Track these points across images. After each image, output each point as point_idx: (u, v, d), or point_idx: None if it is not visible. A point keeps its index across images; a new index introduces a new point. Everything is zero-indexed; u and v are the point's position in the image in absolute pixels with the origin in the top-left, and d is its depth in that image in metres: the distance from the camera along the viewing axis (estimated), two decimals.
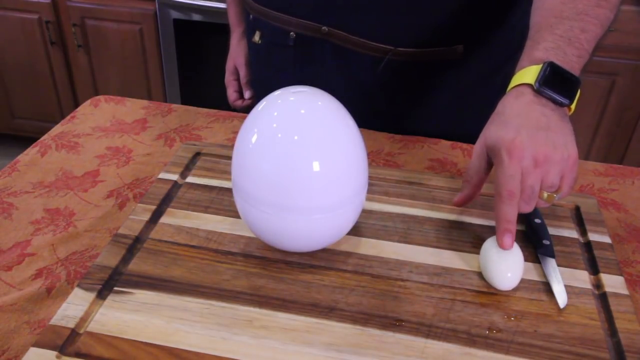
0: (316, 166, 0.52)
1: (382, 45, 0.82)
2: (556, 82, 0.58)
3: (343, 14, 0.82)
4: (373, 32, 0.82)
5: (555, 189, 0.56)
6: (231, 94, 1.06)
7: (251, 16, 0.92)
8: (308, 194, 0.53)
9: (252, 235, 0.62)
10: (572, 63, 0.59)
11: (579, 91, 0.60)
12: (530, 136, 0.55)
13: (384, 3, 0.79)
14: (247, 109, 1.04)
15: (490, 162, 0.59)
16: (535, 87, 0.57)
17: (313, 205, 0.53)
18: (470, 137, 0.88)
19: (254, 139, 0.53)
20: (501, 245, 0.55)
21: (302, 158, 0.52)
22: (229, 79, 1.06)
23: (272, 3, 0.86)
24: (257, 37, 0.92)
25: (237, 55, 1.04)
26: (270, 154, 0.52)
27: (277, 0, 0.86)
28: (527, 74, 0.58)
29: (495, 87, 0.89)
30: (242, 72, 1.03)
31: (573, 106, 0.60)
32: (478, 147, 0.60)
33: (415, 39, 0.82)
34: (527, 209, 0.57)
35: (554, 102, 0.58)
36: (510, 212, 0.55)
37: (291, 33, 0.85)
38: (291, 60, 0.88)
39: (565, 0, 0.64)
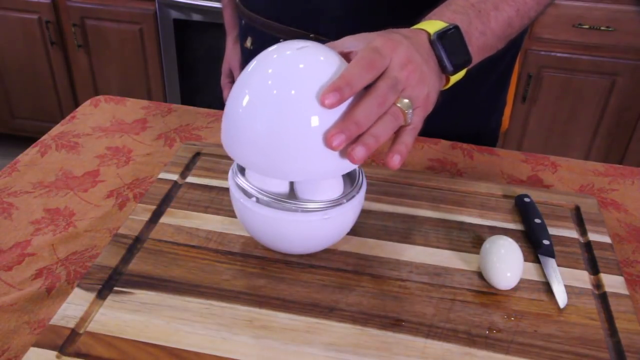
0: (315, 121, 0.47)
1: None
2: (450, 47, 0.55)
3: (329, 22, 0.82)
4: None
5: (410, 106, 0.51)
6: (226, 95, 1.08)
7: (243, 21, 0.94)
8: (306, 153, 0.48)
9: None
10: (472, 37, 0.57)
11: (463, 72, 0.57)
12: (411, 48, 0.52)
13: (370, 13, 0.80)
14: None
15: (344, 54, 0.53)
16: (431, 37, 0.55)
17: (311, 168, 0.49)
18: (470, 137, 0.88)
19: (245, 100, 0.50)
20: (320, 99, 0.47)
21: (299, 114, 0.48)
22: (224, 81, 1.08)
23: (262, 10, 0.88)
24: (248, 43, 0.93)
25: (231, 58, 1.05)
26: (263, 113, 0.48)
27: (266, 7, 0.87)
28: (430, 25, 0.56)
29: (491, 84, 0.90)
30: (237, 75, 1.04)
31: (450, 81, 0.58)
32: (348, 40, 0.54)
33: None
34: (383, 106, 0.49)
35: (439, 61, 0.55)
36: (357, 74, 0.48)
37: (280, 40, 0.86)
38: None
39: None
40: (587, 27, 1.73)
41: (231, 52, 1.05)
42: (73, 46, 2.08)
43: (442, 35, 0.55)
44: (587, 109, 1.86)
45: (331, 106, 0.47)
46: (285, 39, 0.86)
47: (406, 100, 0.51)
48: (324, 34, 0.83)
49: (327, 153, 0.48)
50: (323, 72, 0.49)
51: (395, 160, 0.50)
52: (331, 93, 0.47)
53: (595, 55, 1.77)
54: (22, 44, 2.10)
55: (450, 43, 0.55)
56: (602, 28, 1.72)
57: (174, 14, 1.94)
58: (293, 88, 0.48)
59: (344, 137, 0.47)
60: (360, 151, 0.48)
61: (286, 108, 0.48)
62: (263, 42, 0.90)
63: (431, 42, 0.55)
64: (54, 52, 2.10)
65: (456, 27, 0.56)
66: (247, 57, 0.97)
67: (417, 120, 0.53)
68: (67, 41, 2.08)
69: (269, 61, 0.51)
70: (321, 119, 0.48)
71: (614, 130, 1.87)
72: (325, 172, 0.50)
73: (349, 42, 0.54)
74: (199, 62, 2.04)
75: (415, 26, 0.57)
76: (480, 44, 0.59)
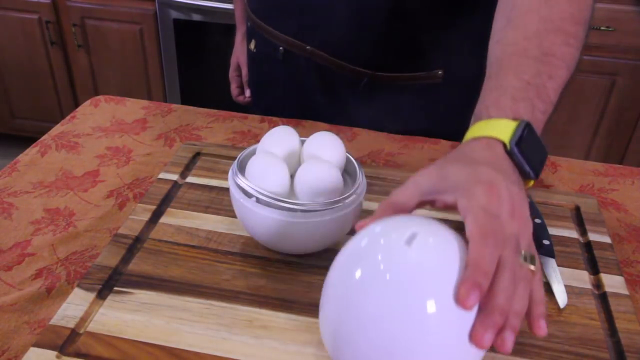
0: (436, 320, 0.39)
1: (360, 69, 0.83)
2: (527, 149, 0.48)
3: (324, 35, 0.83)
4: (352, 55, 0.83)
5: (532, 258, 0.44)
6: (234, 89, 1.11)
7: (249, 23, 0.95)
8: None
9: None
10: (538, 122, 0.51)
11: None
12: (508, 185, 0.45)
13: (362, 28, 0.80)
14: (249, 105, 1.06)
15: (425, 202, 0.48)
16: (508, 148, 0.48)
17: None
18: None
19: (357, 273, 0.42)
20: (460, 301, 0.38)
21: (417, 314, 0.39)
22: (232, 74, 1.10)
23: (264, 17, 0.89)
24: (252, 45, 0.95)
25: (240, 53, 1.07)
26: (377, 294, 0.40)
27: (268, 15, 0.88)
28: (498, 127, 0.49)
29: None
30: (244, 71, 1.06)
31: (530, 184, 0.50)
32: (423, 180, 0.47)
33: (393, 65, 0.83)
34: (516, 278, 0.41)
35: (520, 170, 0.48)
36: (489, 258, 0.40)
37: (280, 48, 0.87)
38: (281, 73, 0.91)
39: (529, 35, 0.55)
40: None
41: (239, 48, 1.07)
42: (73, 46, 2.08)
43: (518, 141, 0.48)
44: (587, 109, 1.86)
45: (471, 307, 0.38)
46: (284, 48, 0.87)
47: (527, 253, 0.43)
48: (318, 47, 0.84)
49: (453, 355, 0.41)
50: (440, 261, 0.41)
51: (543, 327, 0.42)
52: (472, 292, 0.38)
53: (595, 55, 1.77)
54: (22, 44, 2.10)
55: (527, 147, 0.48)
56: (602, 28, 1.72)
57: (174, 14, 1.94)
58: (410, 287, 0.40)
59: (493, 333, 0.39)
60: (510, 338, 0.40)
61: (401, 311, 0.40)
62: (265, 46, 0.92)
63: (508, 153, 0.48)
64: (54, 52, 2.10)
65: (528, 125, 0.49)
66: (250, 58, 0.99)
67: (538, 266, 0.44)
68: (67, 41, 2.08)
69: (370, 256, 0.43)
70: (444, 316, 0.39)
71: (614, 130, 1.87)
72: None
73: (424, 184, 0.47)
74: (199, 62, 2.03)
75: (478, 131, 0.50)
76: (543, 123, 0.53)
